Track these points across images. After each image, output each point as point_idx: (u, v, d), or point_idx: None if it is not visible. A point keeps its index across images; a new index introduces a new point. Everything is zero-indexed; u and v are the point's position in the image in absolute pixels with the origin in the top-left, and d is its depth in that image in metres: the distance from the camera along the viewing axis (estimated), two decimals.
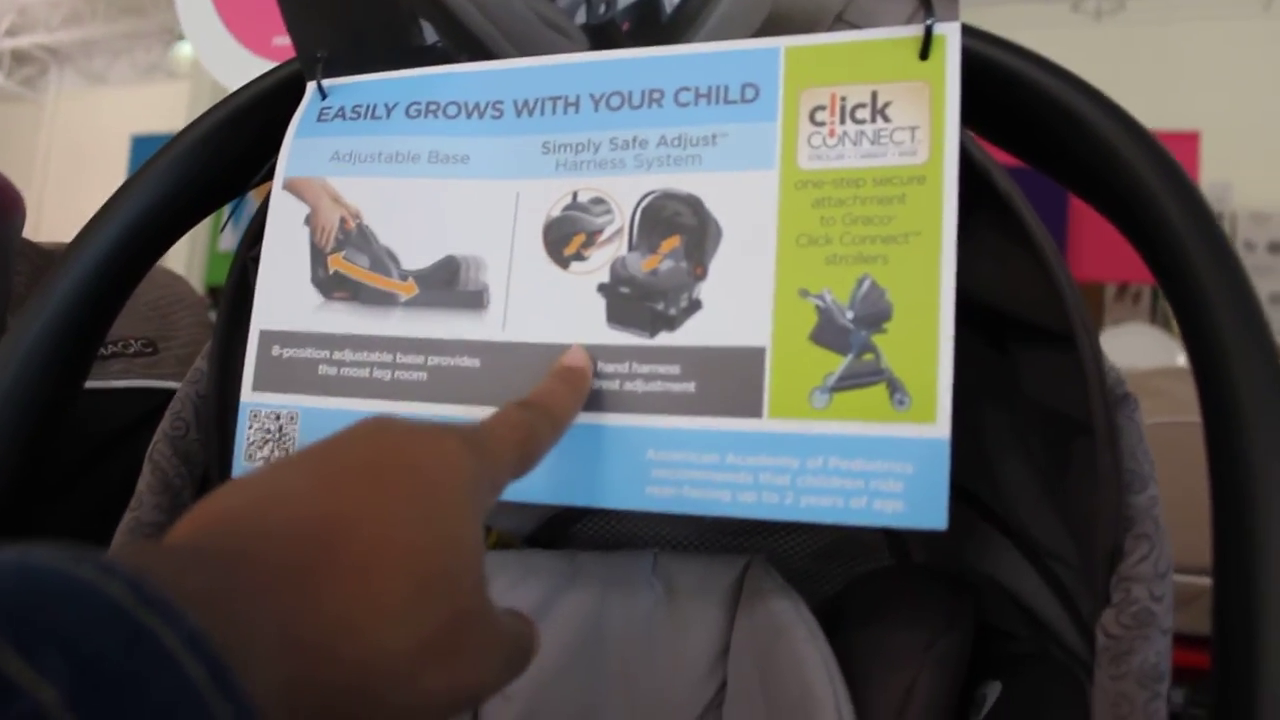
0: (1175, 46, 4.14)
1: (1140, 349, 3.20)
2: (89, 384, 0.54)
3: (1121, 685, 0.40)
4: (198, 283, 4.53)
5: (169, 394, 0.76)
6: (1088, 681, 0.48)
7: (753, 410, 0.41)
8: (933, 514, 0.38)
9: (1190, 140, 3.59)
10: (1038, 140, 0.44)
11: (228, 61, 1.61)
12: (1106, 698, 0.40)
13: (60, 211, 6.29)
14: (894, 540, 0.63)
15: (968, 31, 0.43)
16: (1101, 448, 0.41)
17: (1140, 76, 4.09)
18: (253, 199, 0.54)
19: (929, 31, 0.42)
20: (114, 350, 0.75)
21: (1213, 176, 3.72)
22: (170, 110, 5.65)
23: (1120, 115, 0.42)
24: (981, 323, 0.50)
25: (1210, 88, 4.05)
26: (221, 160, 0.52)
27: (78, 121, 6.92)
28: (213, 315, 0.60)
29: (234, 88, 0.53)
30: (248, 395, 0.49)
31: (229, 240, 0.53)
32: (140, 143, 5.99)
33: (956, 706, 0.49)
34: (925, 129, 0.42)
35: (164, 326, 0.79)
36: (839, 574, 0.64)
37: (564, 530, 0.67)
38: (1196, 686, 1.14)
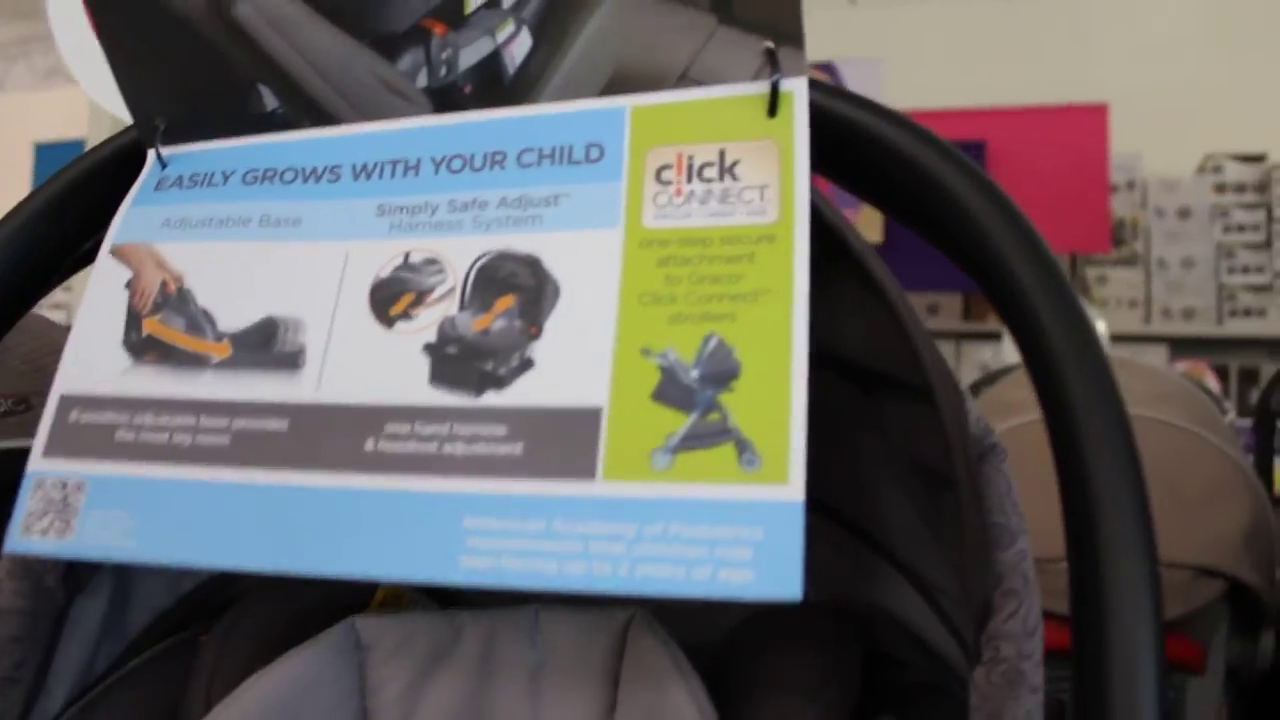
0: (1084, 17, 4.21)
1: None
2: None
3: None
4: None
5: None
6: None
7: (585, 472, 0.39)
8: (785, 583, 0.35)
9: (1099, 113, 3.64)
10: (886, 189, 0.44)
11: (98, 73, 1.55)
12: None
13: None
14: None
15: (815, 86, 0.42)
16: (966, 505, 0.41)
17: (1048, 48, 4.16)
18: None
19: (775, 88, 0.42)
20: None
21: (1123, 146, 3.78)
22: (73, 115, 5.47)
23: (959, 163, 0.42)
24: (852, 374, 0.50)
25: (1118, 57, 4.13)
26: (62, 231, 0.50)
27: None
28: None
29: (107, 105, 0.52)
30: (35, 463, 0.46)
31: None
32: (44, 150, 5.81)
33: None
34: (774, 187, 0.41)
35: (37, 382, 0.76)
36: (736, 610, 0.64)
37: None
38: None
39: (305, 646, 0.52)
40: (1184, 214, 4.09)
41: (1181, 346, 4.01)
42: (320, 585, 0.59)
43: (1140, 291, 4.11)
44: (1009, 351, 3.20)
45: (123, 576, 0.57)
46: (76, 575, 0.52)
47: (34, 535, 0.45)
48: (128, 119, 0.50)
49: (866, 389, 0.50)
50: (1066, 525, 0.38)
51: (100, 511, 0.44)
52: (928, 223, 0.43)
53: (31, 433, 0.73)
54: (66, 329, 0.85)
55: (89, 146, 0.51)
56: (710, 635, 0.54)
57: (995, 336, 3.73)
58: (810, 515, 0.37)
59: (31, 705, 0.51)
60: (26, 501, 0.45)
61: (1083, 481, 0.37)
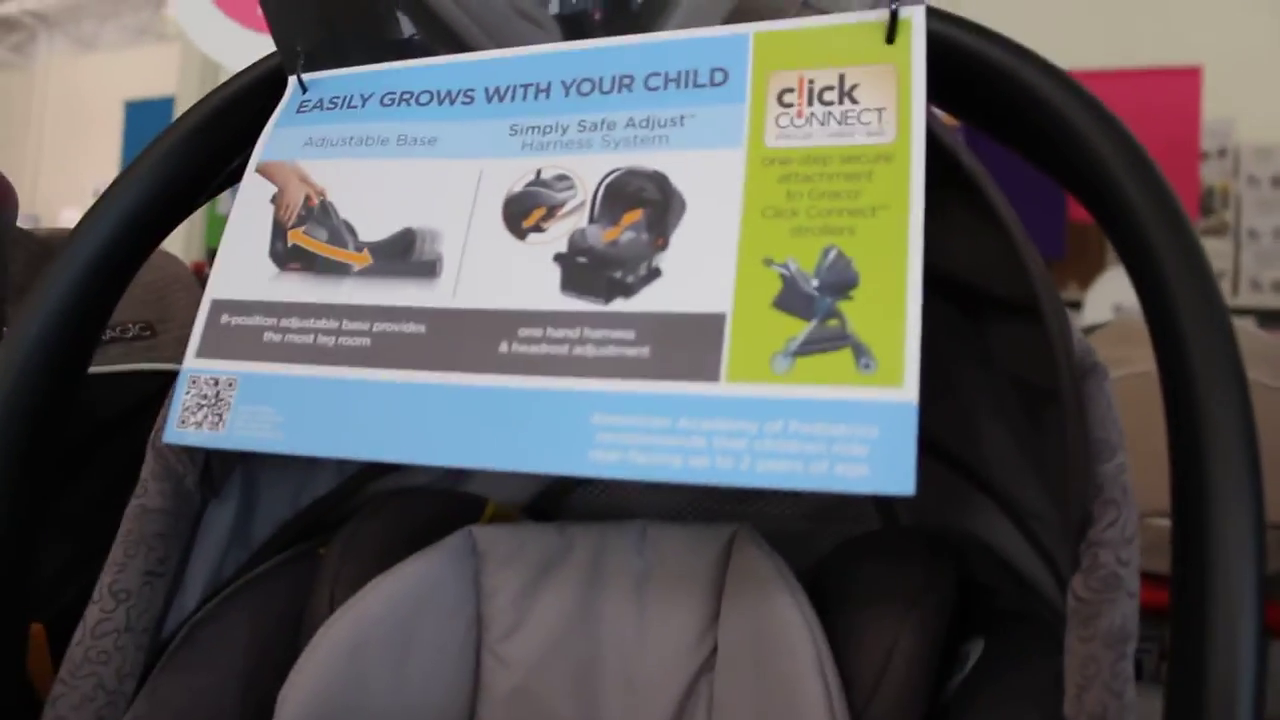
0: None
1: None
2: (89, 369, 0.55)
3: (1090, 647, 0.41)
4: (198, 246, 4.52)
5: (169, 376, 0.78)
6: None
7: (710, 374, 0.41)
8: (899, 479, 0.38)
9: (1192, 76, 3.54)
10: (1001, 116, 0.45)
11: (213, 31, 1.60)
12: (1076, 659, 0.42)
13: (57, 179, 6.28)
14: (881, 503, 0.64)
15: (932, 14, 0.44)
16: (1069, 418, 0.43)
17: (1140, 9, 4.04)
18: None
19: (894, 15, 0.43)
20: (113, 335, 0.76)
21: (1216, 112, 3.67)
22: (162, 74, 5.60)
23: (1074, 90, 0.42)
24: (956, 294, 0.51)
25: (1212, 22, 4.00)
26: (209, 152, 0.53)
27: (70, 88, 6.86)
28: None
29: (219, 57, 0.55)
30: (190, 362, 0.50)
31: (228, 204, 0.54)
32: (134, 108, 5.94)
33: (939, 665, 0.51)
34: (892, 110, 0.43)
35: (161, 309, 0.80)
36: (830, 536, 0.65)
37: (558, 501, 0.68)
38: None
39: (425, 552, 0.55)
40: (1278, 183, 3.97)
41: (1270, 320, 3.90)
42: (433, 502, 0.63)
43: (1228, 263, 4.00)
44: (1086, 316, 3.17)
45: (250, 487, 0.60)
46: (211, 481, 0.56)
47: (189, 428, 0.48)
48: (229, 70, 0.53)
49: (967, 310, 0.51)
50: (1173, 466, 0.39)
51: (250, 407, 0.47)
52: (1043, 150, 0.44)
53: (159, 356, 0.78)
54: (184, 263, 0.89)
55: (178, 104, 0.54)
56: (805, 562, 0.56)
57: (1074, 305, 3.68)
58: None
59: (170, 601, 0.55)
60: (181, 398, 0.49)
61: (1194, 426, 0.38)
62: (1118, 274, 3.52)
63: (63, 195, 5.71)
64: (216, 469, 0.56)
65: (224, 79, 0.55)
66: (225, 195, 0.59)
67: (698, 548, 0.55)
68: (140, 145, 0.54)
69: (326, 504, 0.65)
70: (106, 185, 0.53)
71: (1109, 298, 3.32)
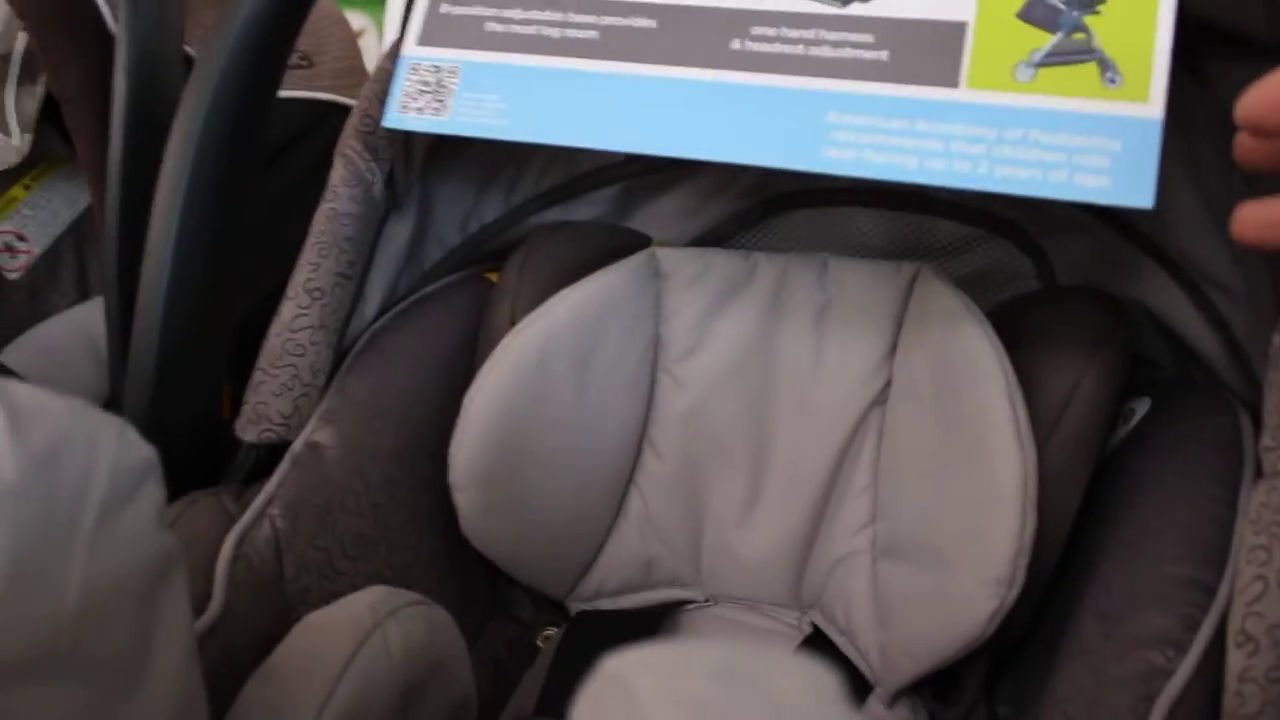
0: None
1: None
2: None
3: None
4: None
5: (328, 105, 0.78)
6: (1236, 401, 0.50)
7: (949, 80, 0.41)
8: (1139, 192, 0.38)
9: None
10: None
11: None
12: (1276, 392, 0.42)
13: None
14: (1041, 267, 0.64)
15: None
16: None
17: None
18: None
19: None
20: None
21: None
22: None
23: None
24: (1183, 46, 0.49)
25: None
26: None
27: None
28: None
29: None
30: (409, 49, 0.50)
31: None
32: None
33: (1113, 414, 0.51)
34: None
35: (316, 42, 0.80)
36: (985, 300, 0.65)
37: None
38: None
39: (610, 269, 0.56)
40: None
41: None
42: (602, 233, 0.63)
43: None
44: None
45: (426, 207, 0.61)
46: (395, 191, 0.57)
47: (410, 113, 0.49)
48: None
49: (1193, 64, 0.49)
50: None
51: (473, 94, 0.47)
52: None
53: (317, 86, 0.78)
54: (333, 1, 0.88)
55: None
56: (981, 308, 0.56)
57: None
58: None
59: (354, 307, 0.57)
60: (402, 83, 0.49)
61: None
62: None
63: None
64: (400, 179, 0.56)
65: None
66: None
67: (880, 282, 0.55)
68: None
69: (492, 230, 0.66)
70: None
71: None
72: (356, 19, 1.51)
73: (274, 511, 0.48)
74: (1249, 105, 0.33)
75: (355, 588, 0.48)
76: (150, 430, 0.50)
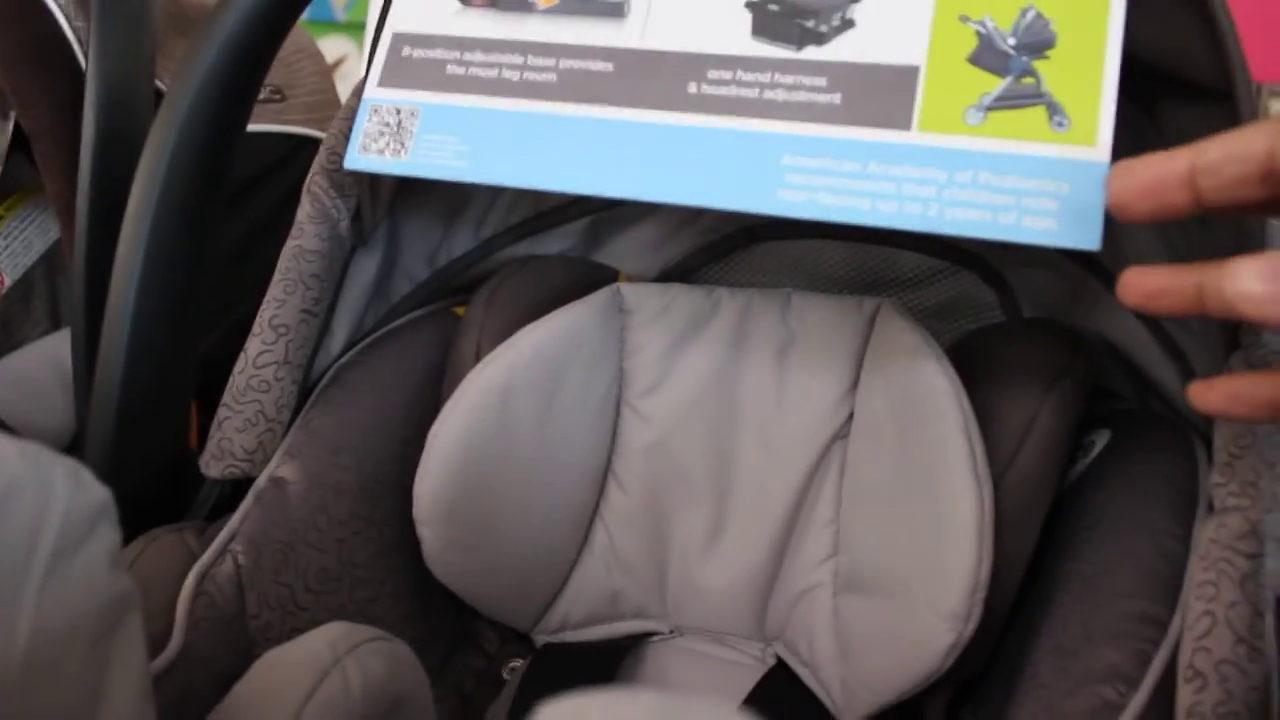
0: None
1: None
2: None
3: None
4: None
5: (299, 139, 0.79)
6: (1194, 434, 0.50)
7: (901, 123, 0.42)
8: (1086, 235, 0.39)
9: None
10: None
11: None
12: (1229, 429, 0.43)
13: None
14: (1006, 298, 0.65)
15: None
16: None
17: None
18: None
19: None
20: None
21: None
22: None
23: None
24: (1132, 84, 0.50)
25: None
26: None
27: None
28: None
29: None
30: (371, 91, 0.50)
31: None
32: None
33: (1070, 448, 0.52)
34: None
35: (289, 75, 0.80)
36: (950, 332, 0.66)
37: (683, 280, 0.69)
38: None
39: (574, 305, 0.56)
40: None
41: None
42: (570, 267, 0.64)
43: None
44: None
45: (394, 241, 0.62)
46: (362, 228, 0.57)
47: (371, 154, 0.49)
48: None
49: (1146, 103, 0.50)
50: None
51: (433, 136, 0.48)
52: None
53: (288, 120, 0.79)
54: (307, 32, 0.88)
55: None
56: (941, 342, 0.56)
57: None
58: None
59: (319, 343, 0.57)
60: (364, 124, 0.50)
61: None
62: None
63: None
64: (367, 215, 0.57)
65: None
66: None
67: (842, 317, 0.56)
68: None
69: (460, 265, 0.66)
70: None
71: None
72: (338, 45, 1.52)
73: (237, 548, 0.48)
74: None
75: (318, 623, 0.48)
76: (113, 465, 0.50)
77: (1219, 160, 0.33)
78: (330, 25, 1.56)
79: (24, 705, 0.28)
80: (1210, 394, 0.38)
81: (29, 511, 0.29)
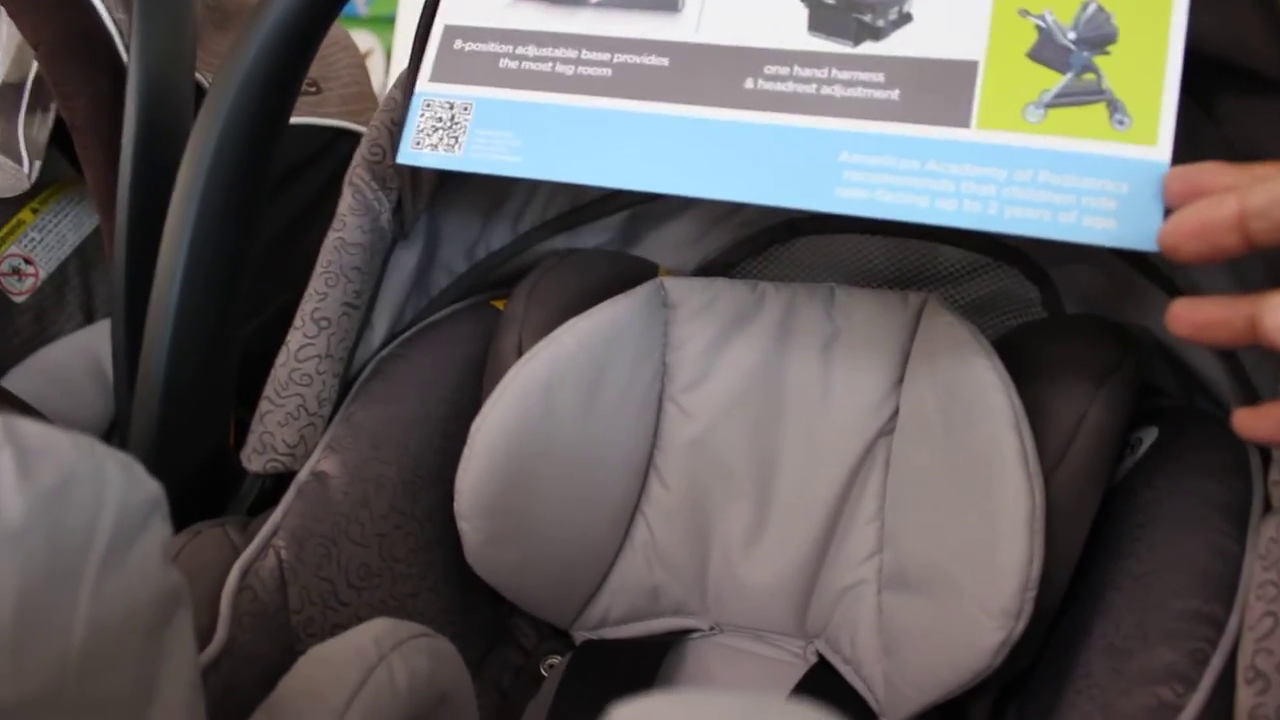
0: None
1: None
2: None
3: None
4: None
5: (335, 131, 0.79)
6: None
7: (960, 120, 0.41)
8: (1145, 235, 0.38)
9: None
10: None
11: None
12: None
13: None
14: (1048, 294, 0.64)
15: None
16: None
17: None
18: None
19: None
20: None
21: None
22: None
23: None
24: (1187, 76, 0.49)
25: None
26: None
27: None
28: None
29: None
30: (423, 85, 0.50)
31: None
32: None
33: (1119, 444, 0.51)
34: None
35: (325, 69, 0.80)
36: (991, 328, 0.65)
37: (722, 275, 0.69)
38: None
39: (618, 299, 0.56)
40: None
41: None
42: (610, 261, 0.63)
43: None
44: None
45: (433, 235, 0.61)
46: (402, 221, 0.57)
47: (424, 149, 0.49)
48: None
49: (1203, 99, 0.49)
50: None
51: (487, 131, 0.48)
52: None
53: (325, 112, 0.79)
54: (341, 26, 0.88)
55: None
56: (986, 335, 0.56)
57: None
58: None
59: (360, 335, 0.57)
60: (416, 120, 0.49)
61: None
62: None
63: None
64: (407, 208, 0.57)
65: None
66: None
67: (887, 313, 0.55)
68: None
69: (499, 258, 0.66)
70: None
71: None
72: (364, 39, 1.52)
73: (279, 542, 0.48)
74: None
75: (359, 618, 0.48)
76: (156, 460, 0.50)
77: (1266, 205, 0.33)
78: (354, 20, 1.56)
79: (81, 695, 0.28)
80: (1260, 422, 0.38)
81: (86, 503, 0.29)
